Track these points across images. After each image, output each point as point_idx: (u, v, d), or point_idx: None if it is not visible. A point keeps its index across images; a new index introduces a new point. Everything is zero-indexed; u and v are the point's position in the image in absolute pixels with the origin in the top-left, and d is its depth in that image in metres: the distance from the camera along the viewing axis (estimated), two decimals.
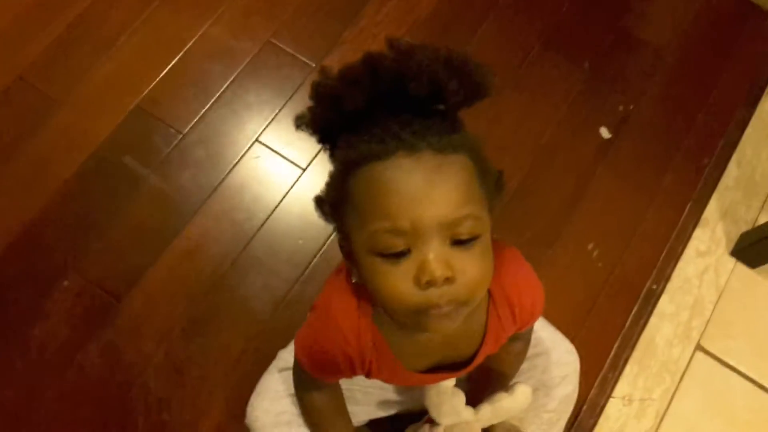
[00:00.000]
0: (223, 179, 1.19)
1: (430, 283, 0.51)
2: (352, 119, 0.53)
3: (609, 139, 1.26)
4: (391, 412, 0.91)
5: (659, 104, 1.30)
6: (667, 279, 1.16)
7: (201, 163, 1.21)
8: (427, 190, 0.50)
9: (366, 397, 0.89)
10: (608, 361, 1.10)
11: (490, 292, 0.67)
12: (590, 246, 1.18)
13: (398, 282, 0.52)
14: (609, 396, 1.08)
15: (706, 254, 1.18)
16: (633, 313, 1.13)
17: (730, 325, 1.13)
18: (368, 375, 0.71)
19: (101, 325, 1.07)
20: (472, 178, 0.53)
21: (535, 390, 0.88)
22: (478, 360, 0.71)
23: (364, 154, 0.51)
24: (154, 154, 1.21)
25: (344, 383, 0.86)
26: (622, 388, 1.08)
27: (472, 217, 0.52)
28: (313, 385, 0.82)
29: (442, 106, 0.55)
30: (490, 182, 0.58)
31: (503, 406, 0.77)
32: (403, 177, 0.50)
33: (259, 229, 1.16)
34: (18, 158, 1.19)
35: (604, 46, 1.34)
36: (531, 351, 0.89)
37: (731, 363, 1.10)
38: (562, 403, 0.90)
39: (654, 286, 1.15)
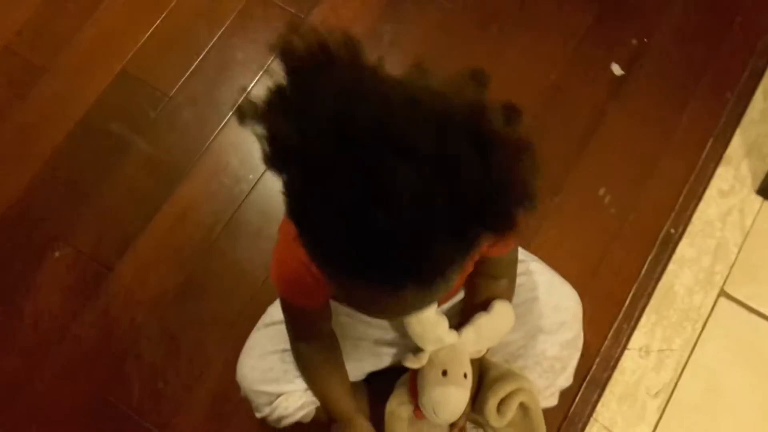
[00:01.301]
0: (213, 140, 1.15)
1: None
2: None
3: (621, 76, 1.17)
4: (384, 364, 0.87)
5: (676, 35, 1.19)
6: (687, 222, 1.07)
7: (189, 125, 1.17)
8: (402, 311, 0.50)
9: (357, 351, 0.85)
10: (623, 311, 1.03)
11: None
12: (602, 191, 1.10)
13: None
14: (624, 348, 1.01)
15: (729, 194, 1.09)
16: (649, 259, 1.06)
17: (757, 268, 1.04)
18: (336, 297, 0.70)
19: (94, 294, 1.06)
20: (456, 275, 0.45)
21: (531, 336, 0.83)
22: None
23: (340, 269, 0.41)
24: (141, 118, 1.17)
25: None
26: (638, 339, 1.02)
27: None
28: (303, 331, 0.79)
29: None
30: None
31: (482, 324, 0.75)
32: (378, 301, 0.47)
33: (249, 192, 1.12)
34: (5, 128, 1.17)
35: None
36: (526, 295, 0.84)
37: (759, 309, 1.02)
38: (564, 349, 0.84)
39: (672, 231, 1.07)
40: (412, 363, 0.76)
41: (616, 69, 1.17)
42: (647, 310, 1.03)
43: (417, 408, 0.79)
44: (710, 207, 1.08)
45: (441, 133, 0.36)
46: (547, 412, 0.85)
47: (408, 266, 0.38)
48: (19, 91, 1.20)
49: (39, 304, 1.05)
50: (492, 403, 0.79)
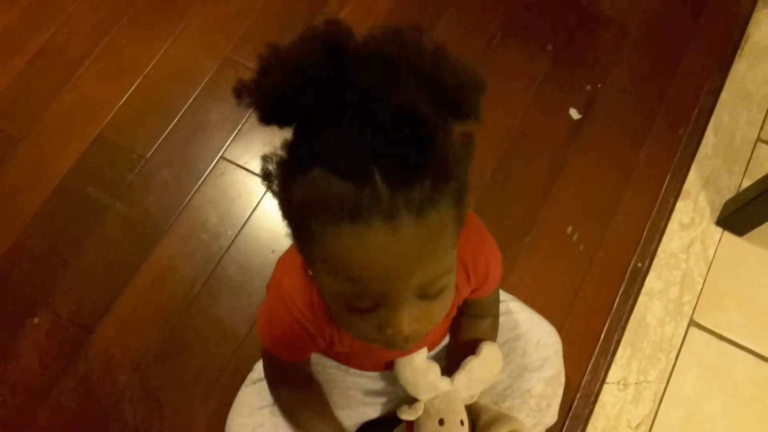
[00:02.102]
0: (189, 200, 1.17)
1: (396, 337, 0.51)
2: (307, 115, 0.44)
3: (579, 120, 1.23)
4: (374, 414, 0.88)
5: (628, 79, 1.26)
6: (653, 256, 1.12)
7: (166, 185, 1.19)
8: (402, 263, 0.45)
9: (347, 400, 0.86)
10: (598, 345, 1.06)
11: None
12: (569, 229, 1.14)
13: (362, 329, 0.52)
14: (603, 382, 1.04)
15: (690, 226, 1.14)
16: (620, 293, 1.09)
17: (723, 296, 1.08)
18: (331, 346, 0.69)
19: (74, 359, 1.05)
20: (450, 229, 0.47)
21: (517, 375, 0.85)
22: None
23: (332, 209, 0.43)
24: (118, 181, 1.19)
25: (324, 387, 0.83)
26: (615, 373, 1.04)
27: (444, 274, 0.49)
28: (282, 378, 0.80)
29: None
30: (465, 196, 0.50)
31: (473, 368, 0.76)
32: (377, 252, 0.44)
33: (228, 247, 1.13)
34: None
35: (565, 26, 1.31)
36: (508, 335, 0.87)
37: (728, 336, 1.06)
38: (549, 386, 0.86)
39: (639, 264, 1.11)
40: (408, 415, 0.75)
41: (574, 113, 1.23)
42: (622, 343, 1.06)
43: None
44: (673, 240, 1.13)
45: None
46: None
47: (413, 156, 0.42)
48: None
49: (18, 372, 1.04)
50: None
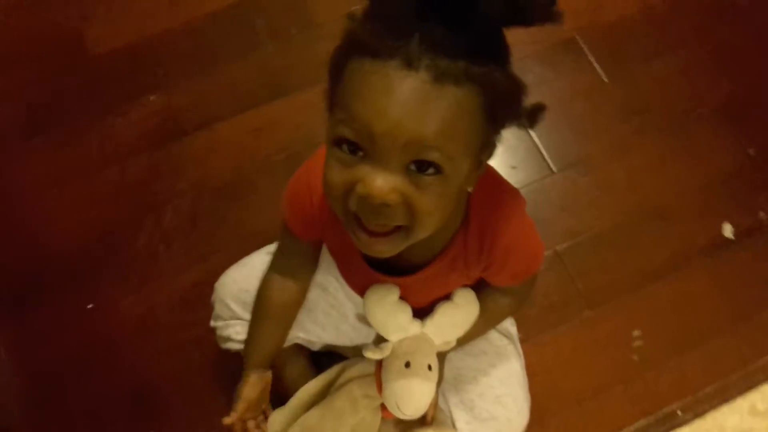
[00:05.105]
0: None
1: (365, 199, 0.48)
2: None
3: (728, 239, 1.06)
4: (342, 342, 0.87)
5: None
6: (699, 415, 0.97)
7: (317, 56, 1.18)
8: (401, 112, 0.45)
9: (326, 318, 0.85)
10: None
11: (467, 217, 0.63)
12: (636, 333, 1.02)
13: (340, 178, 0.50)
14: None
15: (761, 416, 0.96)
16: (640, 424, 0.97)
17: None
18: (323, 235, 0.71)
19: (159, 146, 1.15)
20: (466, 117, 0.47)
21: (461, 408, 0.79)
22: (427, 274, 0.66)
23: (364, 43, 0.47)
24: (284, 29, 1.24)
25: (311, 293, 0.84)
26: None
27: (442, 153, 0.47)
28: (284, 259, 0.79)
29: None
30: (508, 121, 0.51)
31: (445, 312, 0.71)
32: (383, 90, 0.45)
33: None
34: None
35: None
36: (484, 366, 0.81)
37: None
38: None
39: (679, 413, 0.97)
40: (373, 354, 0.71)
41: (727, 230, 1.06)
42: None
43: (384, 408, 0.75)
44: (733, 416, 0.96)
45: None
46: None
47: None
48: None
49: (114, 128, 1.17)
50: None
